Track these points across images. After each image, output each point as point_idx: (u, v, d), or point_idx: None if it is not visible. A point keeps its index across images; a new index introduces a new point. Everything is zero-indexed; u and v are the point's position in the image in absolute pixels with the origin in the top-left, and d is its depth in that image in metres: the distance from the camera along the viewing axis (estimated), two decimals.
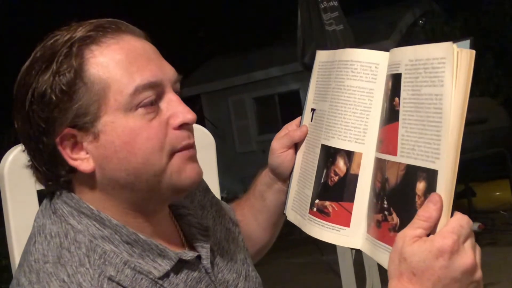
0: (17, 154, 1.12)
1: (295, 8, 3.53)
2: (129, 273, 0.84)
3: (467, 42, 0.77)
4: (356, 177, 0.92)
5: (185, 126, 0.88)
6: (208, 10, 14.09)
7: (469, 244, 0.74)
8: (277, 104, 11.60)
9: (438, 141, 0.75)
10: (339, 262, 3.09)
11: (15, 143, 1.11)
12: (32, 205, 1.14)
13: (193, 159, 0.90)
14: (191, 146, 0.90)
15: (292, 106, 10.35)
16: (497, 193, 6.48)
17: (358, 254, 3.15)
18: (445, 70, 0.74)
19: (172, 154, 0.87)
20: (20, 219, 1.12)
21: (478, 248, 0.76)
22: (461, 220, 0.74)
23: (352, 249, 1.01)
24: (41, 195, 1.13)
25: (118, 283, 0.82)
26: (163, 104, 0.87)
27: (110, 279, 0.82)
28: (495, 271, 3.83)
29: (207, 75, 12.19)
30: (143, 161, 0.85)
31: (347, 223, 0.92)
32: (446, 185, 0.74)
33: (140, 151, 0.85)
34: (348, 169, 0.92)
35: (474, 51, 0.73)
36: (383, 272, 3.37)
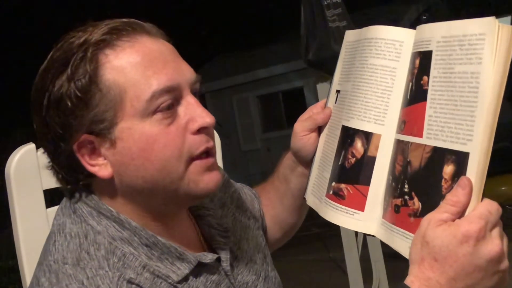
0: (23, 154, 1.12)
1: (298, 5, 3.53)
2: (148, 276, 0.84)
3: (508, 19, 0.71)
4: (373, 159, 0.88)
5: (203, 130, 0.87)
6: (211, 9, 14.09)
7: (496, 232, 0.71)
8: (281, 101, 11.58)
9: (471, 122, 0.70)
10: (345, 259, 3.08)
11: (21, 143, 1.11)
12: (39, 205, 1.14)
13: (211, 167, 0.88)
14: (210, 151, 0.88)
15: (296, 104, 10.33)
16: (503, 188, 6.45)
17: (364, 251, 3.15)
18: (484, 47, 0.69)
19: (190, 160, 0.85)
20: (27, 219, 1.12)
21: (505, 238, 0.72)
22: (490, 206, 0.70)
23: (365, 235, 0.97)
24: (47, 195, 1.14)
25: (138, 285, 0.82)
26: (180, 108, 0.86)
27: (130, 281, 0.81)
28: None
29: (210, 74, 12.18)
30: (160, 169, 0.84)
31: (361, 207, 0.89)
32: (477, 169, 0.70)
33: (157, 158, 0.83)
34: (365, 151, 0.89)
35: None
36: (390, 269, 3.36)
